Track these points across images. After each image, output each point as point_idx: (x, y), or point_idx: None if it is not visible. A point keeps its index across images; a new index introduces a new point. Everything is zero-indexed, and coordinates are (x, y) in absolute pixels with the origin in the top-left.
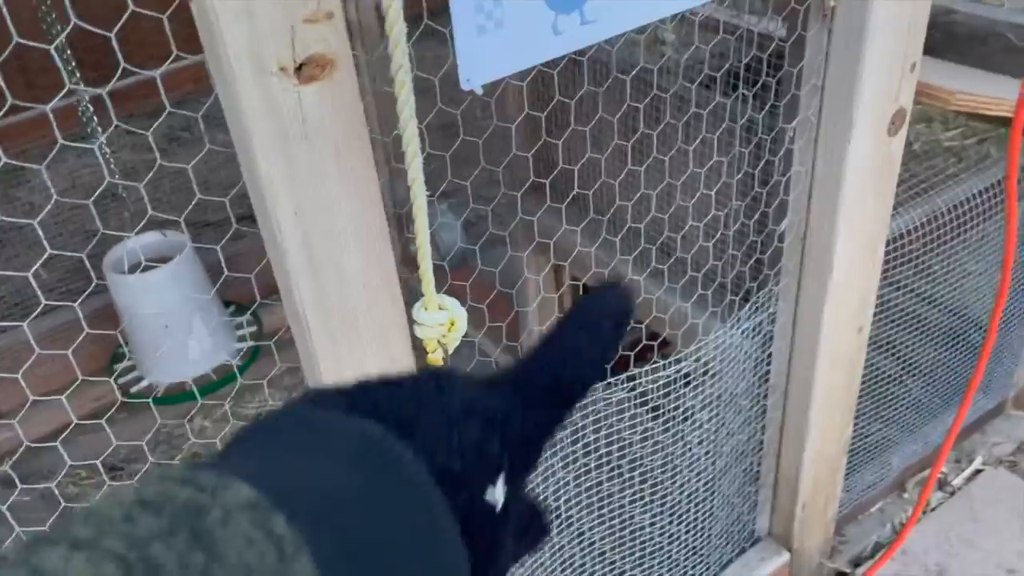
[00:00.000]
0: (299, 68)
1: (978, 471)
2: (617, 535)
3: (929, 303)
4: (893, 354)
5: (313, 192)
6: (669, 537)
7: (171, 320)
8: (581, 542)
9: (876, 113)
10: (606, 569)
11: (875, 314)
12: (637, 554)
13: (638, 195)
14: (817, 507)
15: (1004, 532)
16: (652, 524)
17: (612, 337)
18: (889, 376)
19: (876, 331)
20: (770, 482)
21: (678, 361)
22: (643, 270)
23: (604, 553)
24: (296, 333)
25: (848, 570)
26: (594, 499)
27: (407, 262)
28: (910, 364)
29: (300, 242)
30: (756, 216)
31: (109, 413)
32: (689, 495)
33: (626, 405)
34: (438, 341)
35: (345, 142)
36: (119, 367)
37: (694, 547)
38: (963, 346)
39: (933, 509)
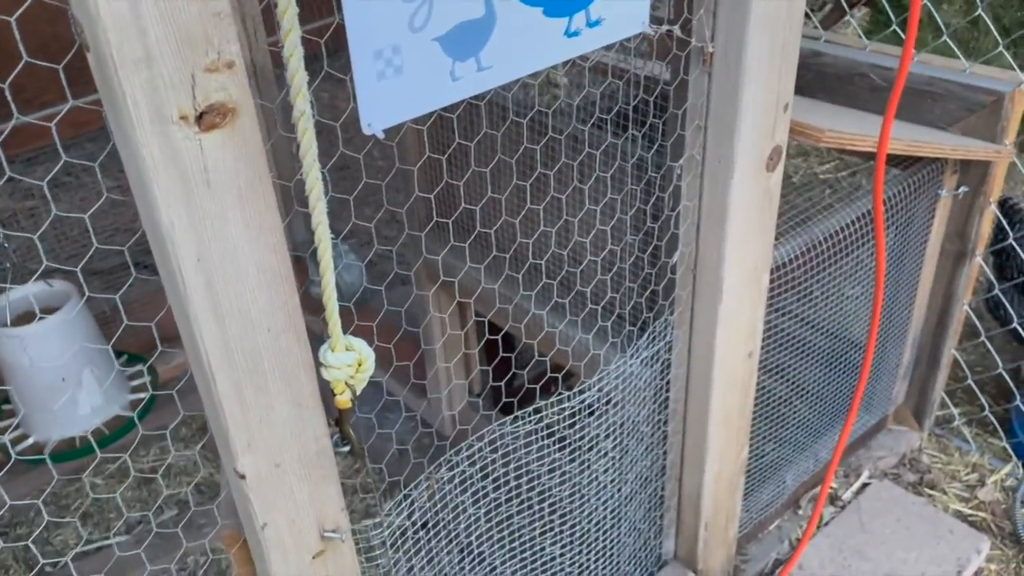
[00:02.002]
0: (200, 117)
1: (865, 484)
2: (529, 568)
3: (812, 327)
4: (782, 377)
5: (216, 238)
6: (579, 566)
7: (59, 373)
8: None
9: (755, 150)
10: None
11: (764, 339)
12: None
13: (538, 232)
14: (719, 527)
15: (891, 542)
16: (562, 554)
17: None
18: (779, 398)
19: (765, 356)
20: (674, 505)
21: (581, 392)
22: (545, 304)
23: None
24: (200, 381)
25: None
26: (505, 533)
27: (307, 306)
28: (798, 386)
29: (203, 289)
30: (649, 249)
31: None
32: (597, 523)
33: (533, 438)
34: (346, 382)
35: (248, 188)
36: (2, 424)
37: (603, 574)
38: (845, 367)
39: (826, 524)
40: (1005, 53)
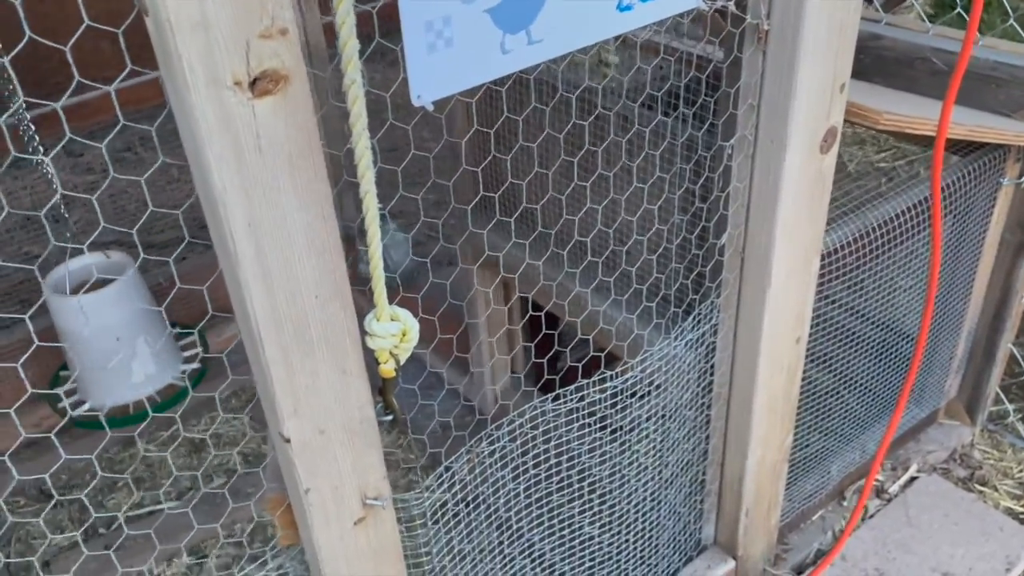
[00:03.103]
0: (253, 83)
1: (913, 478)
2: (567, 546)
3: (863, 317)
4: (829, 367)
5: (267, 204)
6: (617, 547)
7: (114, 342)
8: (531, 554)
9: (809, 131)
10: None
11: (812, 329)
12: (587, 564)
13: (584, 210)
14: (760, 514)
15: (938, 536)
16: (600, 535)
17: None
18: (826, 388)
19: (813, 345)
20: (715, 490)
21: (624, 373)
22: (589, 284)
23: (554, 565)
24: (248, 346)
25: None
26: (544, 511)
27: (354, 279)
28: (846, 376)
29: (253, 254)
30: (697, 231)
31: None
32: (636, 505)
33: (574, 416)
34: (390, 352)
35: (299, 155)
36: (61, 390)
37: (642, 556)
38: (895, 358)
39: (871, 516)
40: None
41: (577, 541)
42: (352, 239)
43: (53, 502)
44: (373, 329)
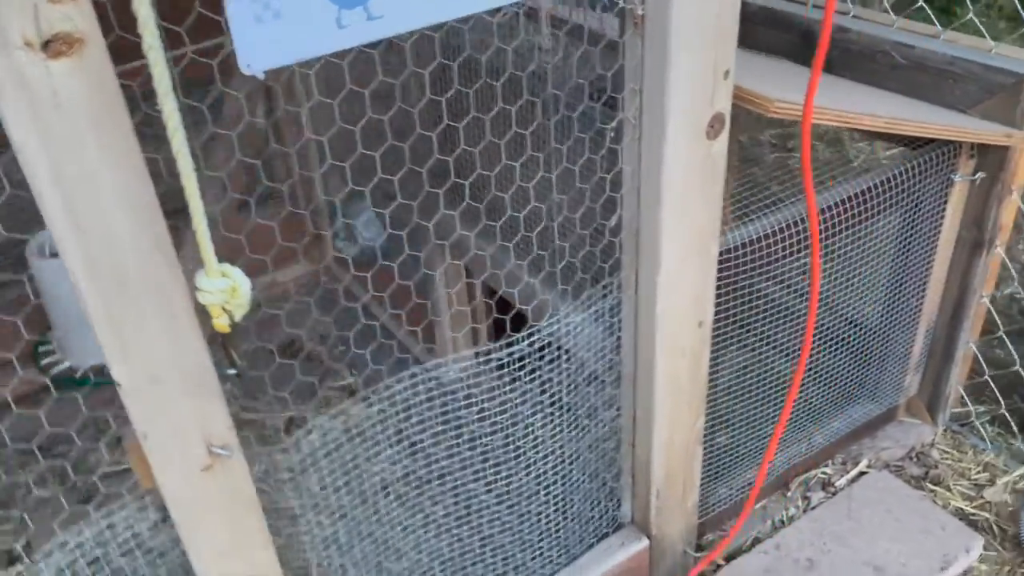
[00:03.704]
0: (46, 44)
1: (863, 473)
2: (463, 514)
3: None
4: (788, 356)
5: (71, 160)
6: (519, 517)
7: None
8: (425, 520)
9: (691, 116)
10: (455, 546)
11: (756, 314)
12: (487, 533)
13: (514, 188)
14: (673, 495)
15: (877, 531)
16: (498, 504)
17: None
18: (783, 378)
19: (758, 330)
20: (628, 469)
21: (531, 335)
22: (522, 259)
23: (451, 531)
24: (76, 292)
25: (723, 563)
26: (436, 478)
27: (338, 261)
28: (790, 366)
29: (61, 205)
30: (609, 211)
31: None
32: (547, 476)
33: (482, 378)
34: (223, 307)
35: (101, 115)
36: (43, 350)
37: (551, 530)
38: (847, 352)
39: (813, 508)
40: None
41: (473, 509)
42: (334, 215)
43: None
44: (202, 285)
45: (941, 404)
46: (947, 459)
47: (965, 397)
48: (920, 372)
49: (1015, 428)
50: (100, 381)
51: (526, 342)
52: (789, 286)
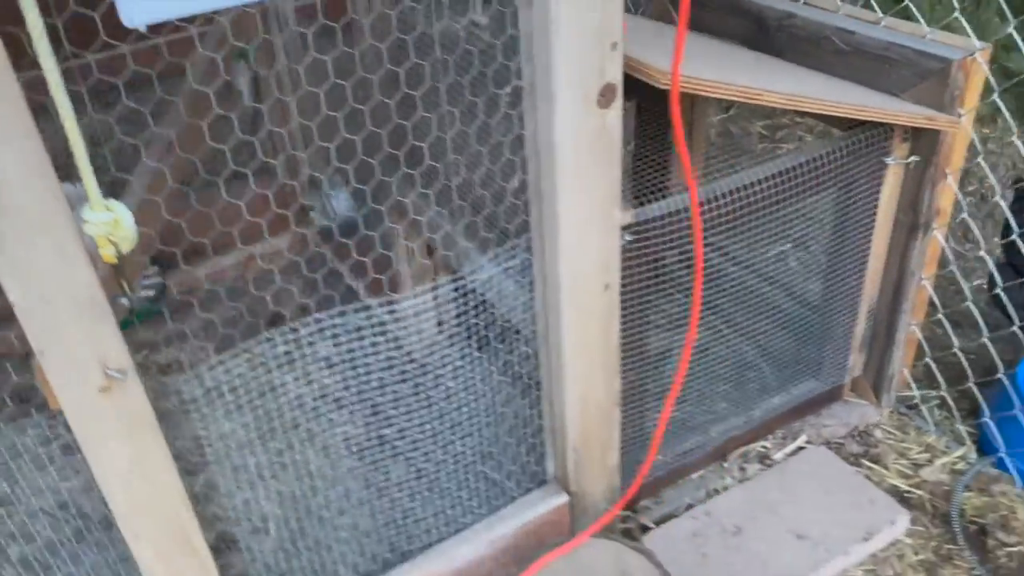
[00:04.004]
0: None
1: (801, 448)
2: (377, 460)
3: (754, 273)
4: (711, 328)
5: None
6: (435, 465)
7: None
8: (335, 462)
9: (580, 85)
10: (369, 489)
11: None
12: (403, 480)
13: (447, 154)
14: (591, 455)
15: (806, 503)
16: (411, 451)
17: None
18: (709, 349)
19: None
20: (549, 426)
21: (454, 282)
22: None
23: (364, 472)
24: None
25: (652, 525)
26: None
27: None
28: (730, 340)
29: None
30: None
31: None
32: (455, 427)
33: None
34: (108, 239)
35: None
36: None
37: (468, 482)
38: (788, 329)
39: (748, 479)
40: (960, 18)
41: (388, 456)
42: (317, 186)
43: None
44: (87, 217)
45: (885, 385)
46: (889, 439)
47: (910, 379)
48: (865, 352)
49: (955, 410)
50: None
51: (443, 288)
52: (727, 256)
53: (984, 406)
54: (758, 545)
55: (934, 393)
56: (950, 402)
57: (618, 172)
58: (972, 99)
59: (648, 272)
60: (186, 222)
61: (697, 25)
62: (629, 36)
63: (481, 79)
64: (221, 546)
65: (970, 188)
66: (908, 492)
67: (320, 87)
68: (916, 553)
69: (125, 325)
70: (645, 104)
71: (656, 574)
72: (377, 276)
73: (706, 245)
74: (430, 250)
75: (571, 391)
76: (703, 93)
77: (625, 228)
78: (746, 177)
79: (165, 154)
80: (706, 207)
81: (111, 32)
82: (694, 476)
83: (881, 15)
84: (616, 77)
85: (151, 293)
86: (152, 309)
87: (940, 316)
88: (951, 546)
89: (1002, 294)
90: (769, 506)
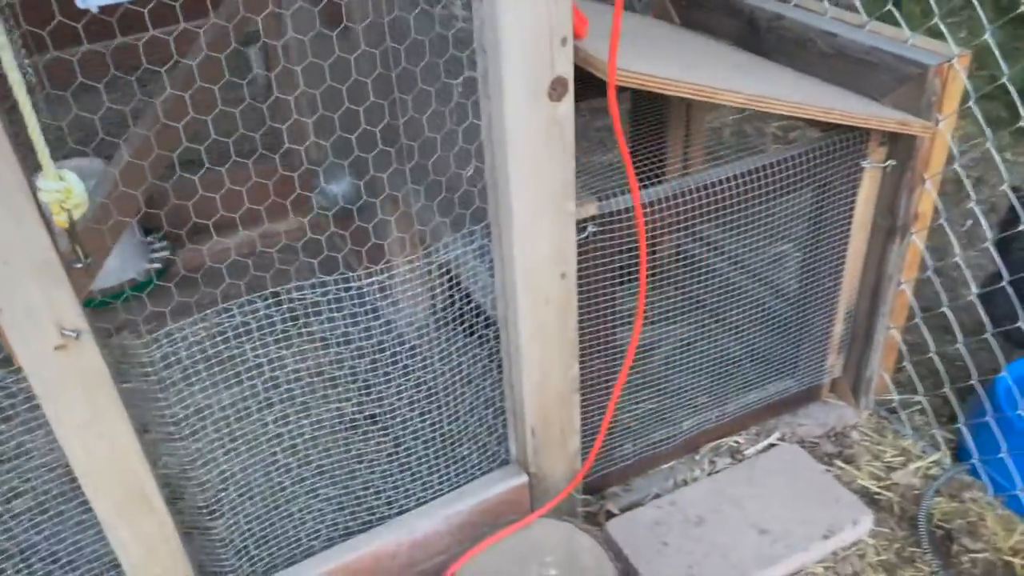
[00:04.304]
0: None
1: (773, 445)
2: (330, 429)
3: (736, 266)
4: (686, 322)
5: None
6: (395, 441)
7: None
8: (291, 432)
9: (530, 78)
10: (329, 461)
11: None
12: (362, 452)
13: (422, 139)
14: (551, 438)
15: (772, 498)
16: (369, 426)
17: None
18: (697, 347)
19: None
20: (510, 408)
21: (427, 257)
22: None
23: (324, 445)
24: None
25: (616, 512)
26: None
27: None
28: (733, 338)
29: None
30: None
31: None
32: (414, 405)
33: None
34: (61, 206)
35: None
36: None
37: (427, 460)
38: (765, 327)
39: (717, 472)
40: (941, 24)
41: (347, 426)
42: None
43: None
44: (40, 185)
45: (863, 387)
46: (865, 441)
47: (889, 383)
48: (843, 354)
49: (933, 415)
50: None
51: (407, 265)
52: (705, 249)
53: (959, 412)
54: (719, 536)
55: (916, 397)
56: (927, 407)
57: (571, 163)
58: (950, 105)
59: (613, 263)
60: (192, 205)
61: (694, 24)
62: (626, 32)
63: (452, 65)
64: (180, 503)
65: (980, 197)
66: (878, 494)
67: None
68: (878, 553)
69: (137, 289)
70: (640, 98)
71: (605, 555)
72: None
73: (686, 237)
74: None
75: (528, 375)
76: (648, 88)
77: (590, 220)
78: (714, 175)
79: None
80: (674, 203)
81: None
82: (664, 467)
83: (866, 18)
84: (566, 71)
85: (158, 266)
86: (151, 281)
87: (929, 319)
88: (915, 549)
89: (977, 301)
90: (734, 500)
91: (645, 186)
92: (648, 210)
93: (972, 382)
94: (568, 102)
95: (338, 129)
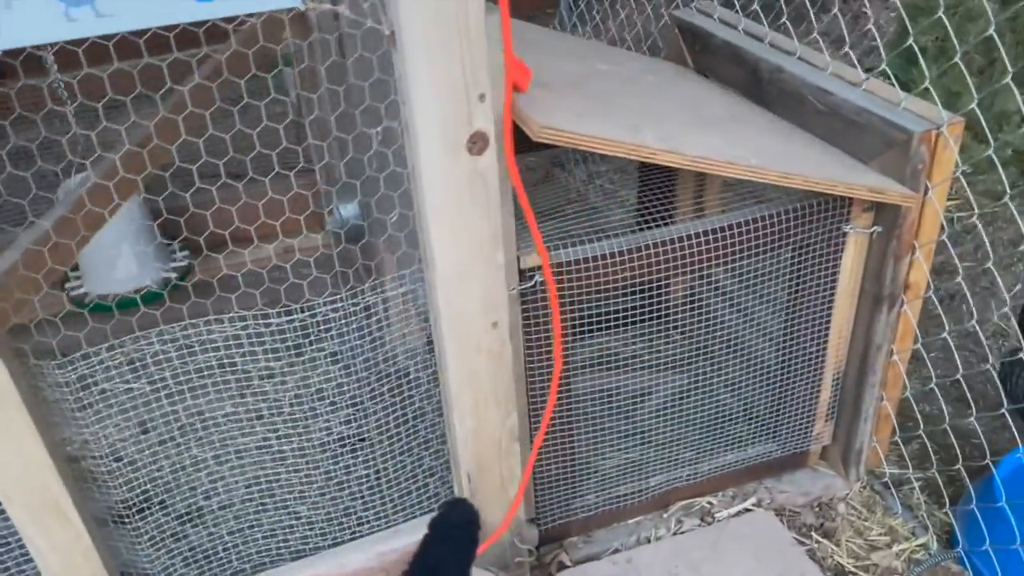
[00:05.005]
0: None
1: (747, 510)
2: (263, 463)
3: (721, 334)
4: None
5: None
6: (326, 474)
7: (101, 242)
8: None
9: (448, 132)
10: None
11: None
12: (293, 482)
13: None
14: (490, 485)
15: (733, 565)
16: (297, 458)
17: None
18: (667, 403)
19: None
20: (451, 452)
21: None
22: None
23: (259, 478)
24: None
25: (570, 564)
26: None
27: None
28: (708, 396)
29: None
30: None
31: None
32: (341, 442)
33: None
34: None
35: None
36: (71, 276)
37: (368, 495)
38: (745, 388)
39: (683, 532)
40: (931, 89)
41: (276, 460)
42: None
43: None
44: None
45: (852, 458)
46: (851, 515)
47: (882, 456)
48: (833, 422)
49: (921, 495)
50: (104, 307)
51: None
52: (681, 303)
53: (945, 495)
54: None
55: (909, 473)
56: (914, 484)
57: (497, 215)
58: (942, 173)
59: (566, 312)
60: (211, 215)
61: (705, 70)
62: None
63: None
64: (109, 520)
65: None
66: (853, 573)
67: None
68: None
69: (148, 299)
70: None
71: None
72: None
73: (655, 288)
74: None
75: (461, 422)
76: (565, 144)
77: (537, 269)
78: (678, 231)
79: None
80: (636, 255)
81: None
82: (631, 521)
83: (863, 76)
84: (485, 126)
85: (174, 275)
86: (159, 293)
87: (944, 389)
88: None
89: (994, 372)
90: (692, 563)
91: (608, 238)
92: (592, 265)
93: (958, 466)
94: (490, 156)
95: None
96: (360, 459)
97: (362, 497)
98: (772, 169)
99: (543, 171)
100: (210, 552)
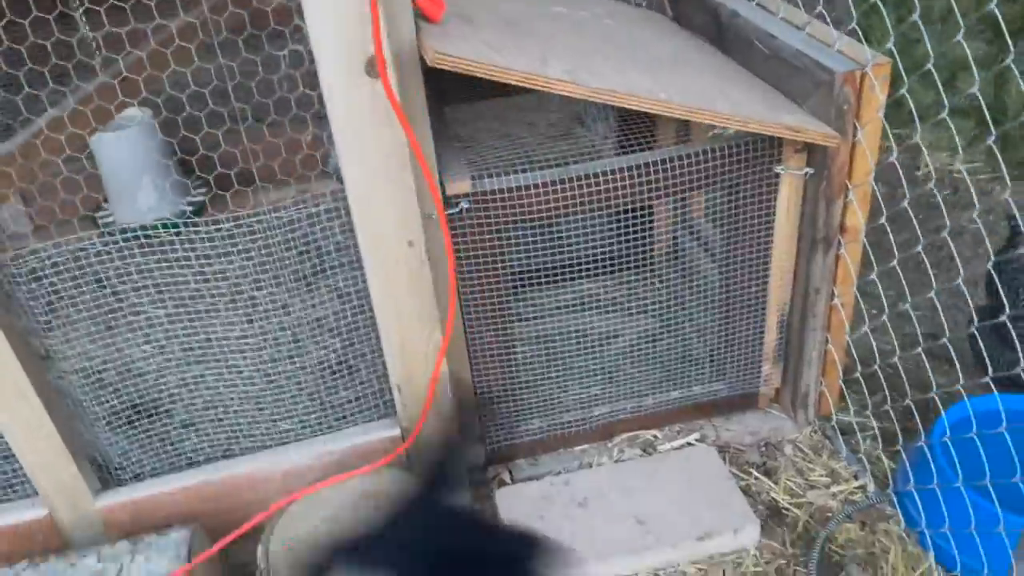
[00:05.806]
0: None
1: (689, 444)
2: (216, 367)
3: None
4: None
5: None
6: (271, 382)
7: (125, 175)
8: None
9: (345, 54)
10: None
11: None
12: (244, 391)
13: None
14: (416, 396)
15: (664, 493)
16: (249, 368)
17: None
18: (611, 335)
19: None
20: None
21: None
22: None
23: (204, 379)
24: None
25: (509, 482)
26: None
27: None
28: (656, 332)
29: None
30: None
31: None
32: (291, 350)
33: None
34: None
35: None
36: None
37: (313, 404)
38: (689, 326)
39: (623, 460)
40: (857, 29)
41: (229, 365)
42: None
43: None
44: None
45: (800, 401)
46: (796, 456)
47: (830, 399)
48: (780, 364)
49: (861, 439)
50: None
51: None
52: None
53: (878, 438)
54: (596, 520)
55: (871, 422)
56: (865, 430)
57: (402, 138)
58: (869, 114)
59: (491, 238)
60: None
61: (680, 18)
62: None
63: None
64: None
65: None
66: (787, 509)
67: None
68: (756, 566)
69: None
70: None
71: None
72: None
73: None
74: None
75: (387, 335)
76: (463, 71)
77: (463, 196)
78: (597, 166)
79: None
80: (544, 191)
81: None
82: (577, 448)
83: (807, 19)
84: (383, 51)
85: (190, 208)
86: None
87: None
88: (800, 569)
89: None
90: (626, 489)
91: (533, 170)
92: (514, 195)
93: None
94: (390, 79)
95: None
96: (299, 366)
97: (303, 403)
98: (678, 103)
99: (564, 127)
100: (166, 441)
